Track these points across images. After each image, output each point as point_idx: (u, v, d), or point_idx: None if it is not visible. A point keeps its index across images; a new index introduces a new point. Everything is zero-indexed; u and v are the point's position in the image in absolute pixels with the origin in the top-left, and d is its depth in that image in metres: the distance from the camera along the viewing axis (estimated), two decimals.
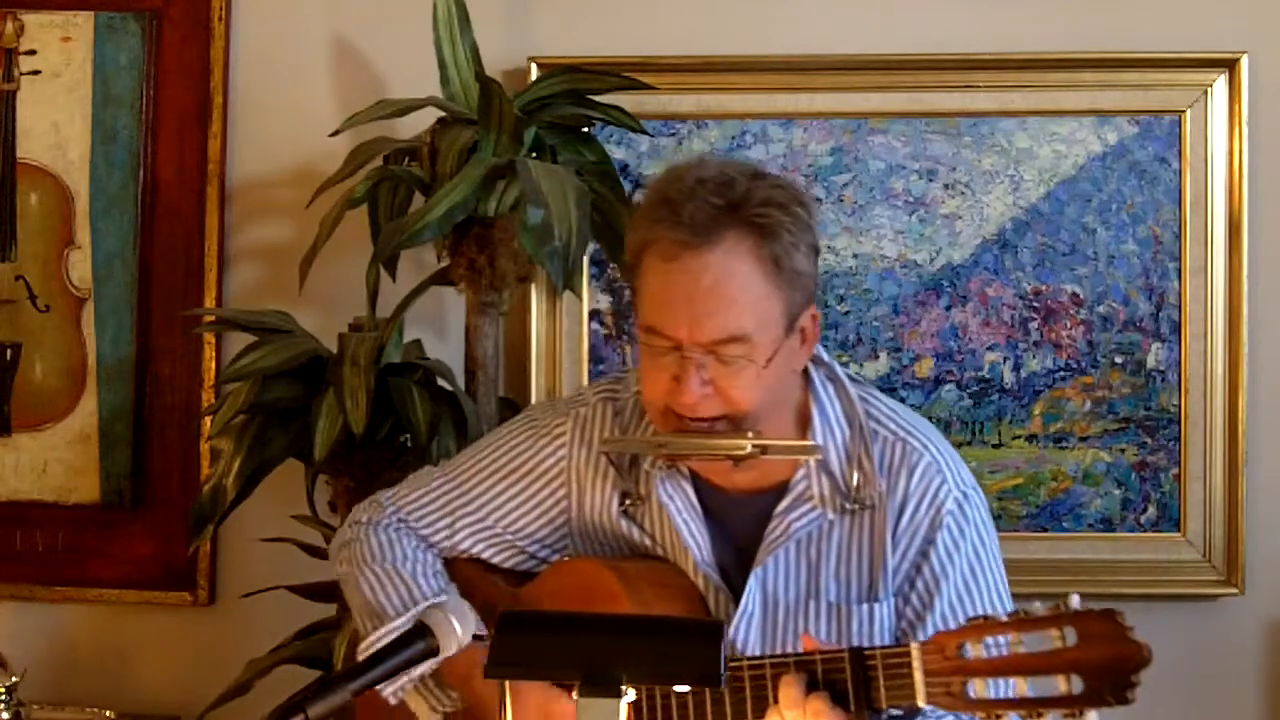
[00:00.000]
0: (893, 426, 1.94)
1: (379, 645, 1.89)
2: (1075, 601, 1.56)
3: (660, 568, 1.97)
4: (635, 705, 1.85)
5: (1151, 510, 2.82)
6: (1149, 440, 2.82)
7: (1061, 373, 2.83)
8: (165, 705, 2.90)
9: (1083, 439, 2.83)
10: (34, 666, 2.80)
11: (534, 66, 2.83)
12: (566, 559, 2.05)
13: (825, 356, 1.98)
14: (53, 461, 2.94)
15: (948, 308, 2.84)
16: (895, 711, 1.73)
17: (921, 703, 1.64)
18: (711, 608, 1.94)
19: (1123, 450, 2.82)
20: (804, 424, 1.92)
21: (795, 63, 2.85)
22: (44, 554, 2.93)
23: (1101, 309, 2.82)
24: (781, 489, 1.92)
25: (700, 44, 2.87)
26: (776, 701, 1.70)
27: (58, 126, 2.94)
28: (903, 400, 2.82)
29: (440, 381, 2.63)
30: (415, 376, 2.58)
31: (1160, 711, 2.83)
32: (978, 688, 1.60)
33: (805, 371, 1.95)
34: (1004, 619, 1.59)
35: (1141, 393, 2.82)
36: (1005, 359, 2.83)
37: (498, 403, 2.65)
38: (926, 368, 2.84)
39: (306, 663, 2.57)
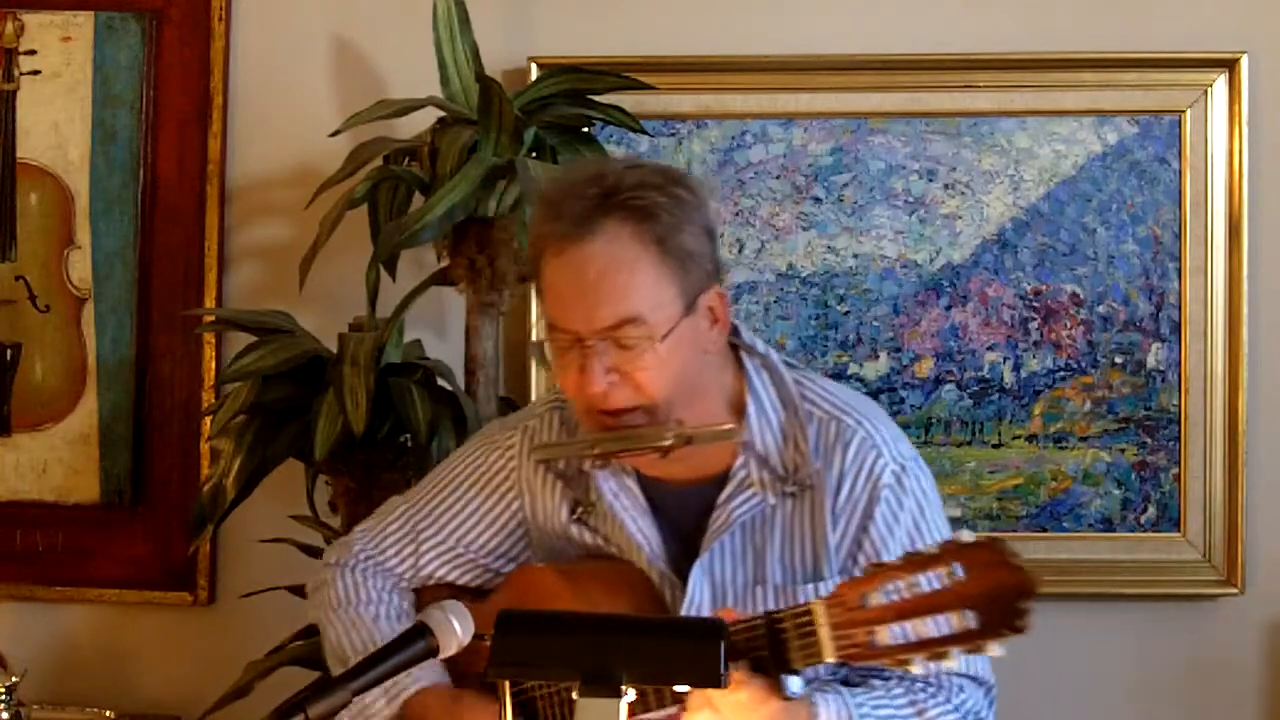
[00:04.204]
0: (827, 406, 1.95)
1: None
2: (965, 535, 1.55)
3: (612, 566, 1.98)
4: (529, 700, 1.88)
5: (1151, 510, 2.82)
6: (1149, 440, 2.82)
7: (1061, 373, 2.83)
8: (165, 705, 2.90)
9: (1083, 439, 2.83)
10: (34, 666, 2.80)
11: (534, 66, 2.82)
12: (517, 569, 2.06)
13: (760, 346, 1.98)
14: (53, 461, 2.94)
15: (948, 308, 2.83)
16: (820, 670, 1.73)
17: (829, 658, 1.63)
18: (666, 601, 1.94)
19: (1123, 450, 2.82)
20: (739, 412, 1.94)
21: (795, 63, 2.85)
22: (44, 554, 2.93)
23: (1101, 309, 2.82)
24: (723, 478, 1.93)
25: (700, 44, 2.86)
26: None
27: (58, 126, 2.94)
28: (902, 400, 2.82)
29: (440, 381, 2.63)
30: (415, 376, 2.57)
31: (1160, 712, 2.84)
32: (882, 636, 1.58)
33: (739, 361, 1.96)
34: (897, 563, 1.58)
35: (1141, 393, 2.82)
36: (1005, 359, 2.83)
37: (498, 403, 2.65)
38: (926, 368, 2.83)
39: (306, 664, 2.57)
